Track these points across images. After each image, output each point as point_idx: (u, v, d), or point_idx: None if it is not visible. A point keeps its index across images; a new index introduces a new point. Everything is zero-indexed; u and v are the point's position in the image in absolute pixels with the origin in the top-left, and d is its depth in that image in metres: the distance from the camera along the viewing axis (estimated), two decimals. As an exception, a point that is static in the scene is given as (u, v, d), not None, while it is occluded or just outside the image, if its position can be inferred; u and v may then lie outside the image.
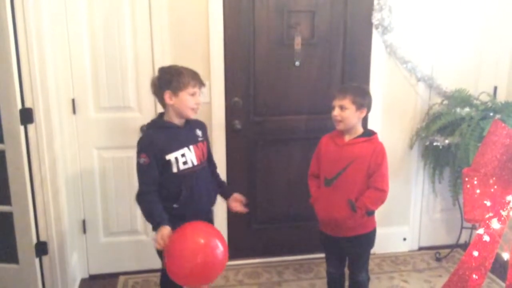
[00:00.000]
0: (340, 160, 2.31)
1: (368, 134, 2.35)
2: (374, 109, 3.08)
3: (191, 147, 2.17)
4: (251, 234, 3.19)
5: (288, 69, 2.97)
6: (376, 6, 2.93)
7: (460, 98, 3.00)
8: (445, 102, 3.08)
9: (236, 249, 3.13)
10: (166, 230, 2.01)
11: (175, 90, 2.11)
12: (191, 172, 2.16)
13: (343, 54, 3.02)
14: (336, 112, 2.29)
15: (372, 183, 2.29)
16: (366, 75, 3.05)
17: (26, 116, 2.41)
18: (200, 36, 2.82)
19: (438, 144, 2.91)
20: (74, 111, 2.80)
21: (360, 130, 2.35)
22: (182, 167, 2.13)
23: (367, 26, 2.98)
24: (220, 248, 1.95)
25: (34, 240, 2.54)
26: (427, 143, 3.02)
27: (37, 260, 2.57)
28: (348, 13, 2.96)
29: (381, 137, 3.12)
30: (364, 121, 3.10)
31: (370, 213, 2.35)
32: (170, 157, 2.11)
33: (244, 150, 3.04)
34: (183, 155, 2.14)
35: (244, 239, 3.17)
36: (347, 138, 2.34)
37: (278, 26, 2.90)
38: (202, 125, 2.32)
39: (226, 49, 2.86)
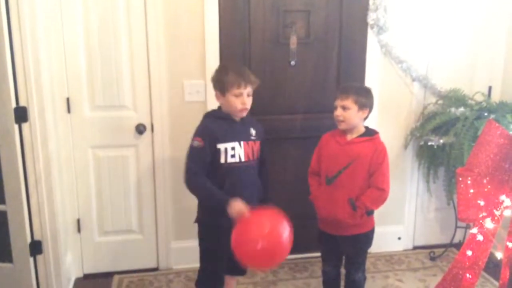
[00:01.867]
0: (342, 159, 2.32)
1: (370, 133, 2.37)
2: (369, 109, 3.11)
3: (242, 142, 2.20)
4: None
5: (284, 68, 2.97)
6: (371, 6, 2.93)
7: (455, 98, 3.01)
8: (440, 101, 3.09)
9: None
10: (238, 202, 2.06)
11: (221, 90, 2.18)
12: (237, 167, 2.19)
13: (338, 53, 3.02)
14: (339, 112, 2.30)
15: (372, 182, 2.31)
16: (361, 75, 3.06)
17: (21, 114, 2.40)
18: (196, 35, 2.82)
19: (433, 143, 2.92)
20: (68, 110, 2.80)
21: (362, 129, 2.36)
22: (229, 159, 2.17)
23: (363, 26, 2.99)
24: (285, 236, 2.00)
25: (29, 239, 2.53)
26: (422, 142, 3.03)
27: (31, 259, 2.56)
28: (344, 13, 2.96)
29: (376, 136, 3.15)
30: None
31: (370, 213, 2.37)
32: (221, 146, 2.16)
33: (239, 149, 3.03)
34: (233, 148, 2.18)
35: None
36: (349, 137, 2.35)
37: (273, 25, 2.90)
38: (257, 125, 2.34)
39: (221, 48, 2.86)
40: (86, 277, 3.02)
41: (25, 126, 2.43)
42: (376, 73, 3.07)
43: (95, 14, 2.70)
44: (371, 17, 2.95)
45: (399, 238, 3.37)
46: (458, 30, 3.12)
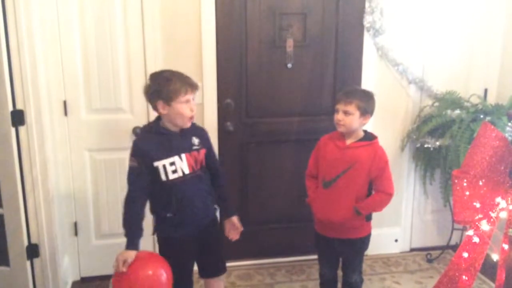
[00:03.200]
0: (340, 163, 2.30)
1: (369, 138, 2.35)
2: (366, 111, 3.11)
3: (183, 155, 2.10)
4: (243, 236, 3.15)
5: (280, 71, 2.98)
6: (367, 9, 2.94)
7: (451, 100, 3.02)
8: (436, 104, 3.10)
9: (228, 251, 3.13)
10: (132, 254, 2.03)
11: (166, 100, 2.04)
12: (181, 181, 2.09)
13: (335, 56, 3.03)
14: (340, 116, 2.27)
15: (379, 187, 2.31)
16: (357, 77, 3.07)
17: (17, 118, 2.40)
18: (193, 38, 2.82)
19: (429, 146, 2.93)
20: (65, 113, 2.79)
21: (361, 133, 2.35)
22: (171, 176, 2.08)
23: (359, 29, 3.00)
24: (164, 276, 2.02)
25: (26, 243, 2.53)
26: (418, 145, 3.04)
27: (28, 263, 2.56)
28: (340, 16, 2.97)
29: (373, 139, 3.16)
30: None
31: (368, 218, 2.38)
32: (158, 164, 2.06)
33: (236, 151, 3.04)
34: (172, 164, 2.07)
35: (236, 241, 3.15)
36: (348, 141, 2.32)
37: (270, 28, 2.91)
38: (201, 132, 2.23)
39: (218, 50, 2.87)
40: (83, 280, 3.02)
41: (22, 129, 2.43)
42: (373, 76, 3.08)
43: (91, 17, 2.70)
44: (367, 20, 2.96)
45: (396, 240, 3.38)
46: (454, 33, 3.13)
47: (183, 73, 2.12)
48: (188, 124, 2.11)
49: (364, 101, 2.28)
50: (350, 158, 2.28)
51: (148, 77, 2.16)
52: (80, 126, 2.82)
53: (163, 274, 2.03)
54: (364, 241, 2.43)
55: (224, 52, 2.89)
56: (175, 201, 2.09)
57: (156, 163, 2.06)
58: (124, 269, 1.99)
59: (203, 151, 2.18)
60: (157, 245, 2.28)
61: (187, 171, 2.10)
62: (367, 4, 2.94)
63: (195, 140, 2.16)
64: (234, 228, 2.33)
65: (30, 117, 2.43)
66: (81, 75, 2.77)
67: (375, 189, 2.33)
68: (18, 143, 2.43)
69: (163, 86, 2.04)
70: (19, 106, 2.40)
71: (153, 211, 2.20)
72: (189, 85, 2.06)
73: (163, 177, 2.07)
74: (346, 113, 2.25)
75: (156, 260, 2.09)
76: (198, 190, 2.15)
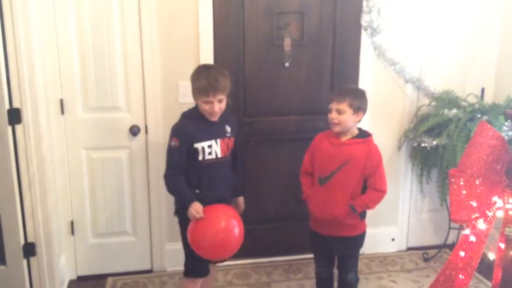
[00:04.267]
0: (335, 159, 2.33)
1: (364, 135, 2.38)
2: (363, 110, 3.11)
3: (218, 140, 2.29)
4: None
5: (278, 70, 2.98)
6: (365, 8, 2.95)
7: (448, 100, 3.03)
8: (433, 103, 3.11)
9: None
10: (198, 204, 2.17)
11: (194, 95, 2.25)
12: (214, 163, 2.28)
13: (332, 55, 3.03)
14: (334, 115, 2.31)
15: (372, 184, 2.34)
16: (355, 77, 3.07)
17: (14, 116, 2.39)
18: (190, 37, 2.82)
19: (426, 145, 2.93)
20: (62, 111, 2.79)
21: (355, 131, 2.38)
22: (207, 157, 2.26)
23: (356, 28, 3.00)
24: (237, 230, 2.19)
25: (22, 241, 2.52)
26: (415, 144, 3.04)
27: (25, 262, 2.55)
28: (337, 15, 2.97)
29: (370, 138, 3.16)
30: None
31: (363, 217, 2.39)
32: (198, 145, 2.24)
33: (233, 150, 3.04)
34: (210, 146, 2.26)
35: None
36: (342, 138, 2.36)
37: (267, 27, 2.91)
38: (233, 122, 2.42)
39: (215, 49, 2.87)
40: (80, 279, 3.01)
41: (18, 127, 2.42)
42: (370, 75, 3.08)
43: (88, 15, 2.70)
44: (364, 19, 2.97)
45: (393, 239, 3.38)
46: (451, 32, 3.14)
47: (220, 71, 2.24)
48: (212, 119, 2.27)
49: (356, 98, 2.31)
50: (345, 154, 2.32)
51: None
52: (77, 125, 2.82)
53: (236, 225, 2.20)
54: (359, 239, 2.46)
55: (222, 51, 2.89)
56: (206, 179, 2.27)
57: (196, 145, 2.24)
58: (202, 215, 2.14)
59: (232, 139, 2.37)
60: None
61: (220, 155, 2.30)
62: (364, 4, 2.94)
63: (228, 128, 2.35)
64: (237, 207, 2.47)
65: (27, 115, 2.42)
66: (78, 73, 2.76)
67: (369, 187, 2.36)
68: (15, 142, 2.42)
69: (193, 83, 2.25)
70: (15, 104, 2.39)
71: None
72: (212, 88, 2.17)
73: (200, 157, 2.26)
74: (339, 111, 2.29)
75: (227, 210, 2.27)
76: (226, 174, 2.34)
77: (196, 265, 2.35)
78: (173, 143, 2.25)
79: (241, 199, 2.52)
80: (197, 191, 2.28)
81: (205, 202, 2.21)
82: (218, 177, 2.31)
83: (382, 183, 2.35)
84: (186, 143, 2.24)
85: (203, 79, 2.19)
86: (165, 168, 2.29)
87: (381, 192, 2.35)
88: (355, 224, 2.39)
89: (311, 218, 2.48)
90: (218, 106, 2.22)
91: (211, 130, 2.29)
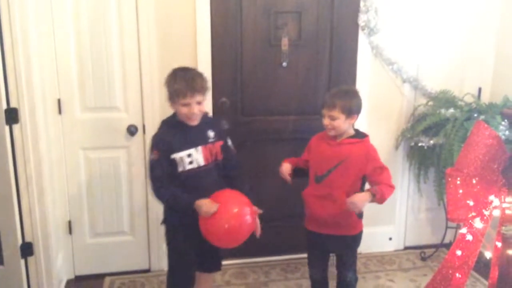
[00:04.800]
0: (332, 158, 2.32)
1: (360, 135, 2.37)
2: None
3: (199, 148, 2.19)
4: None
5: (276, 69, 2.98)
6: (362, 8, 2.95)
7: (445, 99, 3.04)
8: (430, 103, 3.12)
9: (223, 249, 3.13)
10: (203, 200, 2.08)
11: (171, 99, 2.15)
12: (196, 172, 2.18)
13: (330, 55, 3.04)
14: (327, 121, 2.30)
15: (383, 180, 2.29)
16: (352, 76, 3.08)
17: (12, 116, 2.39)
18: (187, 36, 2.82)
19: (423, 144, 2.94)
20: (60, 111, 2.79)
21: (351, 131, 2.36)
22: (188, 166, 2.16)
23: (354, 28, 3.01)
24: (248, 216, 2.15)
25: (20, 241, 2.52)
26: (412, 143, 3.05)
27: (22, 261, 2.55)
28: (335, 15, 2.98)
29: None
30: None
31: (360, 216, 2.39)
32: (176, 156, 2.14)
33: (231, 150, 3.04)
34: (189, 155, 2.16)
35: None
36: (339, 138, 2.35)
37: (265, 27, 2.91)
38: (218, 125, 2.34)
39: (213, 49, 2.87)
40: (78, 278, 3.01)
41: (16, 127, 2.42)
42: (367, 75, 3.08)
43: (86, 15, 2.69)
44: (362, 19, 2.97)
45: (390, 239, 3.39)
46: (448, 32, 3.14)
47: (196, 72, 2.17)
48: (192, 123, 2.17)
49: (348, 102, 2.27)
50: (342, 153, 2.30)
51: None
52: (75, 125, 2.82)
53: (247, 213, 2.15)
54: (356, 238, 2.45)
55: (219, 51, 2.89)
56: (189, 190, 2.15)
57: (174, 155, 2.14)
58: (216, 205, 2.07)
59: (218, 144, 2.26)
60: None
61: (202, 163, 2.19)
62: (362, 3, 2.94)
63: (211, 133, 2.25)
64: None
65: (24, 115, 2.42)
66: (76, 73, 2.76)
67: (378, 183, 2.29)
68: (12, 142, 2.42)
69: (169, 86, 2.14)
70: (13, 104, 2.39)
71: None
72: (190, 89, 2.09)
73: (180, 168, 2.16)
74: (331, 117, 2.27)
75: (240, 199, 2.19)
76: (211, 182, 2.22)
77: (179, 277, 2.30)
78: (152, 156, 2.16)
79: (254, 209, 2.28)
80: None
81: (192, 215, 2.12)
82: (203, 186, 2.18)
83: (389, 178, 2.32)
84: (165, 154, 2.14)
85: (180, 81, 2.10)
86: (150, 183, 2.19)
87: (392, 187, 2.30)
88: (353, 222, 2.37)
89: (307, 218, 2.47)
90: (197, 108, 2.12)
91: (191, 138, 2.18)
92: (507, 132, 2.65)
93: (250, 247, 3.18)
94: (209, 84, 2.23)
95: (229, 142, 2.36)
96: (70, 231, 2.96)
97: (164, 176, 2.15)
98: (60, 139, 2.82)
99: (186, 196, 2.14)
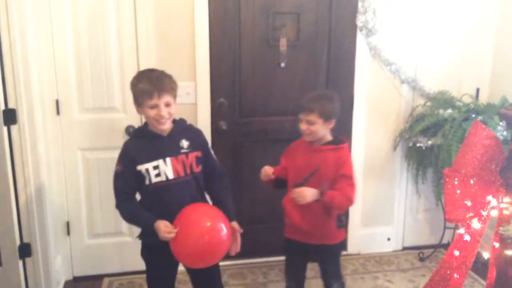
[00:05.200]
0: (308, 165, 2.24)
1: (337, 142, 2.27)
2: (359, 111, 3.13)
3: (167, 159, 2.00)
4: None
5: (274, 70, 2.98)
6: (360, 9, 2.96)
7: (443, 100, 3.04)
8: (428, 103, 3.12)
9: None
10: (162, 222, 1.92)
11: (137, 103, 2.01)
12: (165, 186, 2.00)
13: (328, 55, 3.04)
14: (304, 126, 2.21)
15: (341, 189, 2.17)
16: (350, 77, 3.08)
17: (10, 117, 2.39)
18: (186, 37, 2.82)
19: (421, 145, 2.94)
20: (58, 112, 2.79)
21: (329, 137, 2.27)
22: (154, 179, 1.99)
23: (352, 28, 3.01)
24: (224, 231, 1.95)
25: (18, 242, 2.52)
26: (411, 144, 3.05)
27: (20, 262, 2.55)
28: (333, 15, 2.98)
29: (365, 138, 3.17)
30: (349, 122, 3.14)
31: (340, 226, 2.31)
32: (141, 168, 1.99)
33: (229, 151, 3.04)
34: (155, 167, 1.99)
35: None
36: (315, 144, 2.27)
37: (263, 27, 2.92)
38: (194, 135, 2.13)
39: (211, 50, 2.87)
40: (76, 279, 3.01)
41: (14, 128, 2.42)
42: (365, 75, 3.09)
43: (84, 15, 2.70)
44: (360, 20, 2.97)
45: (389, 239, 3.39)
46: (446, 33, 3.15)
47: (166, 73, 2.02)
48: (162, 127, 2.00)
49: (326, 106, 2.20)
50: (316, 161, 2.22)
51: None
52: (73, 125, 2.82)
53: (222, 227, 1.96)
54: (337, 248, 2.38)
55: (218, 51, 2.89)
56: (157, 205, 2.00)
57: (139, 167, 1.99)
58: (175, 230, 1.90)
59: (192, 155, 2.06)
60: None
61: (171, 176, 2.01)
62: (360, 4, 2.95)
63: (184, 143, 2.06)
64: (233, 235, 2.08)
65: (22, 116, 2.42)
66: (74, 74, 2.76)
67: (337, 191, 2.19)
68: (10, 142, 2.42)
69: (133, 90, 2.01)
70: (11, 105, 2.39)
71: None
72: (156, 88, 1.93)
73: (147, 181, 2.00)
74: (309, 122, 2.19)
75: (211, 212, 2.02)
76: (181, 197, 2.01)
77: None
78: (116, 168, 2.03)
79: (234, 225, 2.07)
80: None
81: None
82: (173, 201, 1.98)
83: (351, 191, 2.19)
84: (130, 165, 1.99)
85: (145, 81, 1.95)
86: (114, 196, 2.06)
87: (348, 200, 2.19)
88: (332, 231, 2.29)
89: (286, 226, 2.39)
90: (166, 110, 1.96)
91: (159, 148, 2.00)
92: (504, 133, 2.65)
93: (249, 247, 3.20)
94: (177, 88, 2.07)
95: (212, 153, 2.19)
96: (68, 232, 2.96)
97: (126, 189, 2.01)
98: (58, 140, 2.82)
99: (147, 215, 1.97)
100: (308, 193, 2.13)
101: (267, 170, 2.33)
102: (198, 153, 2.09)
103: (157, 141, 2.03)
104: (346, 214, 3.28)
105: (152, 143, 2.03)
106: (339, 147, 2.25)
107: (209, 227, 1.94)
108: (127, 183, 2.02)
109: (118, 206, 2.05)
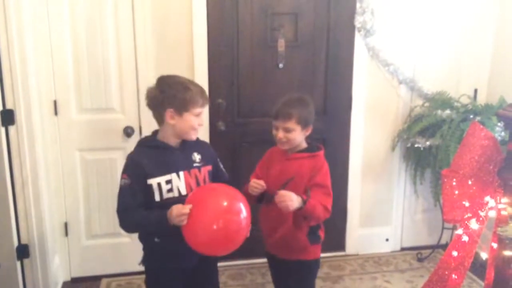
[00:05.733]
0: (281, 175, 2.07)
1: (313, 149, 2.11)
2: (357, 111, 3.13)
3: (181, 173, 1.89)
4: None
5: (272, 71, 2.98)
6: (358, 9, 2.96)
7: (441, 101, 3.04)
8: (427, 104, 3.12)
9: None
10: (175, 206, 1.76)
11: (179, 109, 1.85)
12: (177, 202, 1.80)
13: (326, 56, 3.04)
14: (281, 134, 2.04)
15: (318, 198, 1.99)
16: (348, 78, 3.08)
17: (7, 117, 2.38)
18: (184, 38, 2.82)
19: (420, 145, 2.94)
20: (56, 113, 2.78)
21: (304, 145, 2.12)
22: (166, 195, 1.86)
23: (350, 29, 3.01)
24: (244, 213, 1.81)
25: (16, 243, 2.51)
26: (409, 144, 3.06)
27: (18, 263, 2.54)
28: (331, 16, 2.98)
29: (364, 139, 3.17)
30: (347, 123, 3.14)
31: (314, 241, 2.11)
32: (152, 182, 1.84)
33: (228, 151, 3.03)
34: (168, 182, 1.86)
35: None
36: (289, 152, 2.11)
37: (261, 28, 2.92)
38: (204, 148, 2.04)
39: (209, 50, 2.87)
40: (74, 280, 3.00)
41: (11, 129, 2.41)
42: (364, 76, 3.09)
43: (82, 16, 2.69)
44: (358, 20, 2.98)
45: (387, 240, 3.39)
46: (444, 33, 3.15)
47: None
48: (194, 137, 1.94)
49: (304, 112, 2.05)
50: (290, 170, 2.05)
51: (156, 80, 1.96)
52: (71, 126, 2.81)
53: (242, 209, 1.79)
54: (309, 265, 2.15)
55: (216, 52, 2.89)
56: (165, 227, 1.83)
57: (150, 181, 1.84)
58: (189, 207, 1.73)
59: (205, 169, 1.98)
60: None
61: (184, 192, 1.88)
62: (358, 5, 2.95)
63: (196, 157, 1.96)
64: None
65: (20, 116, 2.42)
66: (72, 74, 2.76)
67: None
68: (8, 143, 2.41)
69: (181, 93, 1.85)
70: (9, 105, 2.39)
71: (141, 237, 1.99)
72: (206, 98, 1.93)
73: (157, 197, 1.86)
74: (286, 130, 2.02)
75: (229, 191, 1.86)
76: None
77: None
78: (123, 181, 1.85)
79: None
80: (156, 239, 1.89)
81: (170, 254, 1.86)
82: None
83: (328, 201, 2.02)
84: (138, 179, 1.83)
85: (192, 89, 1.87)
86: (117, 212, 1.89)
87: (326, 211, 2.00)
88: (305, 246, 2.09)
89: (264, 239, 2.22)
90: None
91: (171, 161, 1.88)
92: (502, 133, 2.66)
93: (248, 248, 3.19)
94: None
95: (221, 166, 2.11)
96: (67, 233, 2.95)
97: (134, 206, 1.83)
98: (56, 141, 2.81)
99: (154, 212, 1.83)
100: (294, 198, 1.92)
101: (260, 182, 2.03)
102: (210, 167, 2.01)
103: (169, 153, 1.90)
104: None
105: (164, 155, 1.89)
106: (314, 154, 2.09)
107: (226, 208, 1.77)
108: (136, 198, 1.84)
109: (124, 219, 1.87)
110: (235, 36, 2.91)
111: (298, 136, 2.06)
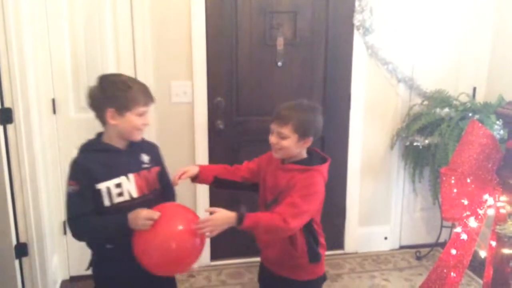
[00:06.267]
0: (274, 186, 1.91)
1: (309, 163, 1.87)
2: (355, 110, 3.13)
3: (130, 175, 1.81)
4: (234, 235, 3.16)
5: (271, 69, 2.98)
6: (357, 8, 2.96)
7: (440, 99, 3.05)
8: (425, 102, 3.13)
9: (218, 249, 3.14)
10: (145, 210, 1.70)
11: (121, 108, 1.77)
12: (128, 207, 1.75)
13: (325, 55, 3.04)
14: (274, 139, 1.84)
15: (281, 210, 1.75)
16: (347, 76, 3.08)
17: (6, 116, 2.38)
18: (183, 36, 2.82)
19: (418, 144, 2.95)
20: (54, 111, 2.78)
21: (303, 155, 1.90)
22: (116, 199, 1.78)
23: (349, 28, 3.01)
24: (200, 247, 1.75)
25: (14, 242, 2.50)
26: (408, 143, 3.06)
27: (17, 262, 2.53)
28: (330, 14, 2.98)
29: (362, 137, 3.17)
30: (346, 121, 3.14)
31: (313, 260, 1.93)
32: (101, 186, 1.76)
33: (226, 150, 3.04)
34: (118, 185, 1.78)
35: (227, 240, 3.16)
36: (285, 161, 1.91)
37: (260, 26, 2.91)
38: (151, 148, 1.96)
39: (208, 49, 2.86)
40: (72, 279, 3.00)
41: (10, 127, 2.41)
42: (362, 75, 3.09)
43: (81, 14, 2.69)
44: (357, 19, 2.97)
45: (386, 238, 3.39)
46: (443, 32, 3.15)
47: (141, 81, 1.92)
48: (139, 138, 1.86)
49: (303, 121, 1.82)
50: (281, 181, 1.86)
51: (98, 79, 1.84)
52: (69, 125, 2.81)
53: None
54: (306, 286, 1.98)
55: (215, 51, 2.88)
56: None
57: (98, 185, 1.76)
58: (158, 213, 1.68)
59: (154, 170, 1.91)
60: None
61: (135, 195, 1.82)
62: (357, 3, 2.95)
63: (145, 158, 1.89)
64: None
65: (19, 115, 2.41)
66: (70, 73, 2.75)
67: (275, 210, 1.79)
68: (6, 142, 2.41)
69: (121, 92, 1.77)
70: (7, 104, 2.38)
71: (91, 243, 1.90)
72: (150, 96, 1.84)
73: (107, 202, 1.77)
74: (281, 135, 1.82)
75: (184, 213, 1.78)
76: None
77: None
78: (70, 188, 1.75)
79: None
80: (108, 245, 1.80)
81: (123, 261, 1.73)
82: None
83: (292, 213, 1.73)
84: (88, 185, 1.74)
85: (134, 88, 1.79)
86: (67, 222, 1.80)
87: (284, 222, 1.71)
88: (302, 265, 1.91)
89: (259, 249, 2.08)
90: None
91: (120, 163, 1.79)
92: (501, 131, 2.65)
93: (246, 247, 3.20)
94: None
95: (166, 169, 2.02)
96: (65, 232, 2.95)
97: (87, 212, 1.74)
98: (55, 139, 2.81)
99: (113, 217, 1.75)
100: (220, 222, 1.71)
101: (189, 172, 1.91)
102: (158, 168, 1.94)
103: (116, 156, 1.82)
104: (340, 225, 3.28)
105: (111, 158, 1.81)
106: (309, 169, 1.84)
107: (192, 231, 1.69)
108: (87, 205, 1.75)
109: (77, 226, 1.77)
110: (234, 35, 2.90)
111: (293, 146, 1.83)
